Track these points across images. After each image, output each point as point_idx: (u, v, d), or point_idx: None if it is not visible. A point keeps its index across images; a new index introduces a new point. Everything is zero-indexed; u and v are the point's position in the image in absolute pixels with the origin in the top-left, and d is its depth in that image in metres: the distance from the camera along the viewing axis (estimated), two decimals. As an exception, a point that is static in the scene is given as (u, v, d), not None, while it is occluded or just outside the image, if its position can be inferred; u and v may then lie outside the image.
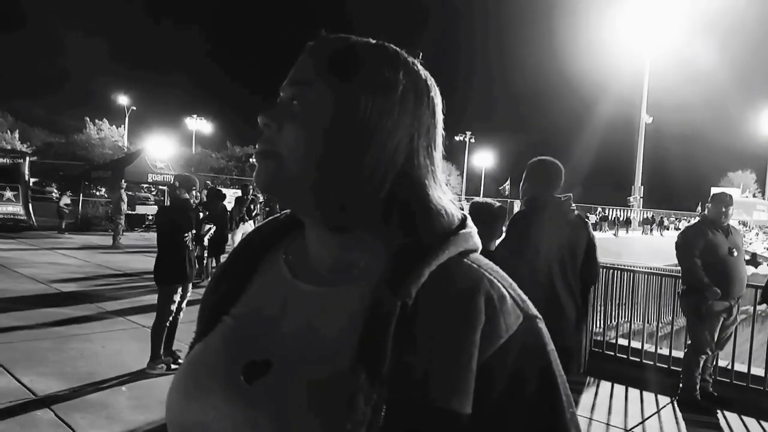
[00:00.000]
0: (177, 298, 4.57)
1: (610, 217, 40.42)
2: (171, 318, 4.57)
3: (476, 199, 3.87)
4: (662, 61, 49.48)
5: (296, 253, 0.68)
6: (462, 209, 0.66)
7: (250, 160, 49.02)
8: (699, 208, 45.75)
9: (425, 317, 0.55)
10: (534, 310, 0.59)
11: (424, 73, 0.65)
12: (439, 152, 0.66)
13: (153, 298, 7.36)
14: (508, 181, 40.88)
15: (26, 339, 5.20)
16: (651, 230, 41.25)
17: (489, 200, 3.46)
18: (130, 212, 16.07)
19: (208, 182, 19.77)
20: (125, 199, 14.07)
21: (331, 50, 0.63)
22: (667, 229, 41.86)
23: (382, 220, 0.62)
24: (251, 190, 9.99)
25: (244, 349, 0.61)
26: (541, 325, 0.59)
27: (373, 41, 0.65)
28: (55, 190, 26.03)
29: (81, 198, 18.13)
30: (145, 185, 19.89)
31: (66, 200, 16.36)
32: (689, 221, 42.66)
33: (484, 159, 57.51)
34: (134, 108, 53.18)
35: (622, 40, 48.77)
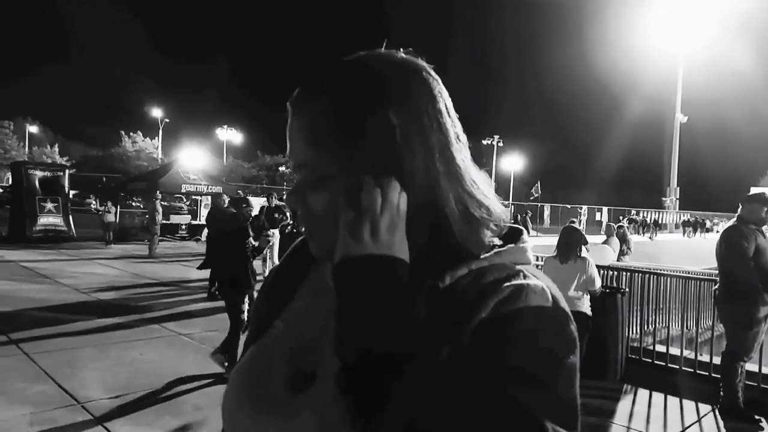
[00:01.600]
0: (246, 306, 4.77)
1: (648, 220, 39.43)
2: (244, 326, 4.74)
3: None
4: (696, 58, 48.18)
5: None
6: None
7: (280, 169, 49.71)
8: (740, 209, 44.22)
9: (451, 302, 0.55)
10: (568, 309, 0.57)
11: (435, 76, 0.62)
12: (467, 153, 0.62)
13: (188, 307, 7.56)
14: (538, 184, 40.25)
15: (68, 347, 5.37)
16: (694, 232, 39.85)
17: None
18: (164, 222, 16.44)
19: (239, 192, 20.12)
20: (160, 209, 14.41)
21: (339, 98, 0.58)
22: (710, 232, 40.53)
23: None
24: (274, 199, 10.19)
25: (291, 358, 0.62)
26: (570, 323, 0.56)
27: (372, 63, 0.60)
28: (94, 202, 26.85)
29: (118, 209, 18.66)
30: (178, 195, 20.38)
31: (110, 217, 16.01)
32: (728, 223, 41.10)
33: (513, 163, 56.89)
34: (167, 120, 54.52)
35: (654, 39, 47.74)
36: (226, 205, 9.21)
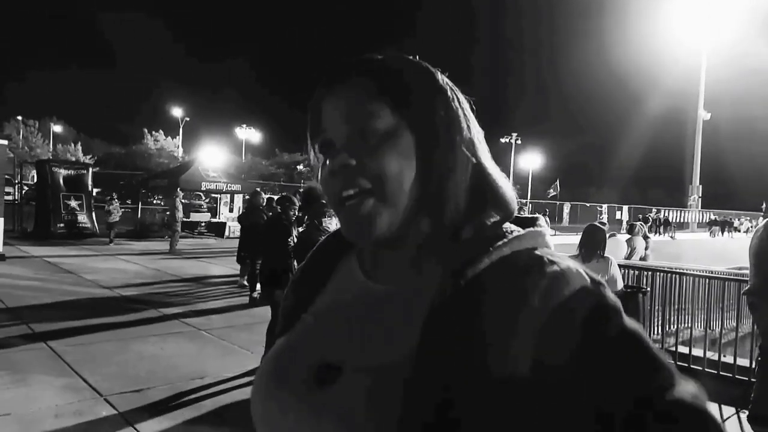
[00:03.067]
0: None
1: (669, 219, 38.75)
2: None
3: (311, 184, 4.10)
4: (720, 54, 47.20)
5: (369, 253, 0.69)
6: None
7: (298, 167, 50.00)
8: (765, 206, 43.23)
9: (484, 298, 0.55)
10: (600, 279, 0.58)
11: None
12: (484, 142, 0.68)
13: (208, 303, 7.66)
14: (557, 182, 39.82)
15: (92, 342, 5.47)
16: (722, 232, 38.93)
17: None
18: (184, 219, 16.67)
19: (257, 189, 20.27)
20: (180, 206, 14.59)
21: (386, 74, 0.62)
22: (738, 231, 39.62)
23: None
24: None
25: (318, 350, 0.63)
26: (608, 291, 0.57)
27: (403, 56, 0.65)
28: (116, 200, 27.28)
29: (140, 206, 18.94)
30: (198, 193, 20.63)
31: (115, 216, 15.18)
32: (753, 222, 40.39)
33: (531, 161, 56.39)
34: (188, 119, 55.15)
35: (676, 35, 46.89)
36: (264, 204, 9.32)
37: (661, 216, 38.89)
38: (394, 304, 0.62)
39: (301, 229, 4.67)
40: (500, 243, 0.59)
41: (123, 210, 16.96)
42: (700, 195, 44.10)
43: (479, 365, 0.52)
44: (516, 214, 0.67)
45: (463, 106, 0.65)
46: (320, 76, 0.65)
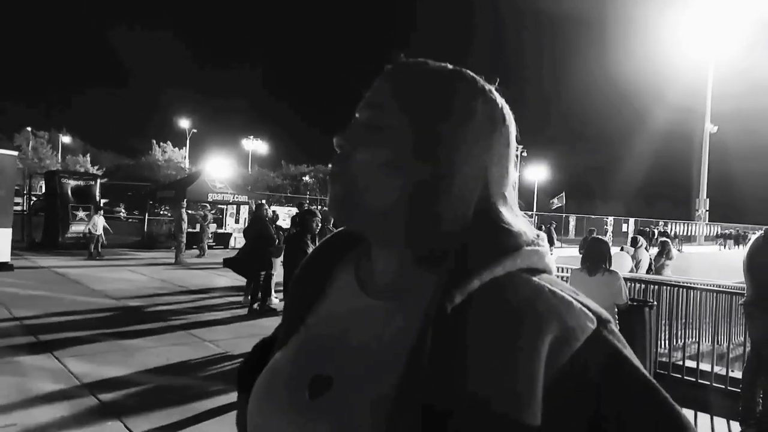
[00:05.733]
0: None
1: (675, 232, 38.46)
2: None
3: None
4: (726, 67, 47.14)
5: (365, 265, 0.69)
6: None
7: (304, 178, 50.16)
8: (774, 220, 42.80)
9: (475, 325, 0.53)
10: (606, 314, 0.57)
11: (500, 101, 0.65)
12: (511, 180, 0.65)
13: (214, 314, 7.66)
14: (563, 194, 39.65)
15: (98, 352, 5.49)
16: (736, 245, 38.55)
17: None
18: (191, 230, 16.74)
19: (261, 201, 20.34)
20: (185, 218, 14.67)
21: (408, 76, 0.64)
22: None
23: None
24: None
25: (312, 362, 0.63)
26: (614, 327, 0.56)
27: (451, 67, 0.65)
28: (123, 210, 27.44)
29: (147, 217, 19.04)
30: (204, 204, 20.72)
31: (98, 229, 14.17)
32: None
33: (537, 173, 56.29)
34: (195, 130, 55.57)
35: (682, 48, 46.89)
36: (269, 216, 9.34)
37: (661, 229, 38.55)
38: (383, 319, 0.61)
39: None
40: (492, 261, 0.56)
41: (130, 220, 17.07)
42: (707, 208, 43.81)
43: (470, 396, 0.51)
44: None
45: (496, 133, 0.63)
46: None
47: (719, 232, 42.46)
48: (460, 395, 0.51)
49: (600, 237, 4.71)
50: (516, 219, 0.63)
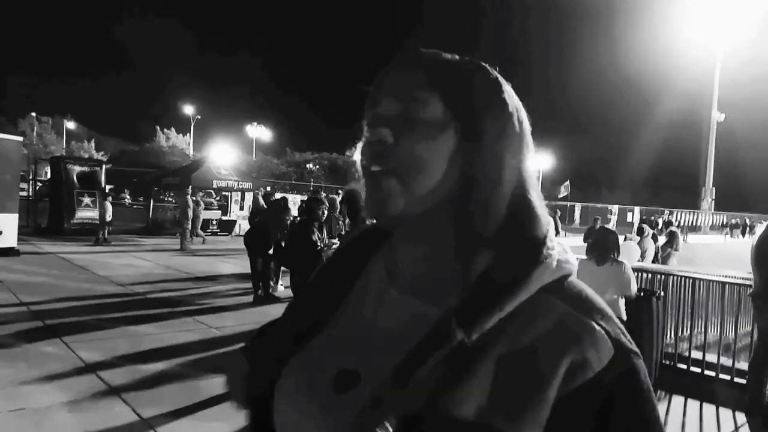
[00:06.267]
0: None
1: (679, 222, 38.28)
2: None
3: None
4: (735, 56, 46.55)
5: (393, 258, 0.69)
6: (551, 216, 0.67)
7: (308, 166, 50.10)
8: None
9: (492, 351, 0.55)
10: (631, 345, 0.57)
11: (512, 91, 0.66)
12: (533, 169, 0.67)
13: (220, 301, 7.69)
14: (568, 182, 39.48)
15: (105, 337, 5.52)
16: (743, 235, 38.44)
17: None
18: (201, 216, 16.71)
19: (268, 188, 20.38)
20: (191, 204, 14.68)
21: (444, 68, 0.63)
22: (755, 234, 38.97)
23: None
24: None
25: (339, 356, 0.63)
26: (638, 361, 0.57)
27: (476, 61, 0.65)
28: (128, 196, 27.50)
29: (152, 203, 19.09)
30: (209, 191, 20.73)
31: (107, 212, 14.28)
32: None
33: (541, 161, 56.05)
34: (199, 117, 55.45)
35: (690, 35, 46.31)
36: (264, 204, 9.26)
37: (665, 218, 38.42)
38: (409, 315, 0.62)
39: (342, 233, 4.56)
40: (515, 290, 0.57)
41: (134, 206, 17.04)
42: (713, 197, 43.58)
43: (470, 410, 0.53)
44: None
45: (524, 127, 0.65)
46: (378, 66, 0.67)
47: (725, 222, 42.24)
48: (467, 409, 0.52)
49: (608, 227, 4.67)
50: (544, 209, 0.65)
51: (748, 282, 5.57)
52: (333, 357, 0.63)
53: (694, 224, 39.79)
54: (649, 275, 5.84)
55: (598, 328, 0.56)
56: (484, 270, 0.59)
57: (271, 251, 7.74)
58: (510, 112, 0.63)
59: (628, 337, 0.58)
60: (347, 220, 5.41)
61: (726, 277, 5.79)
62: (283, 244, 7.95)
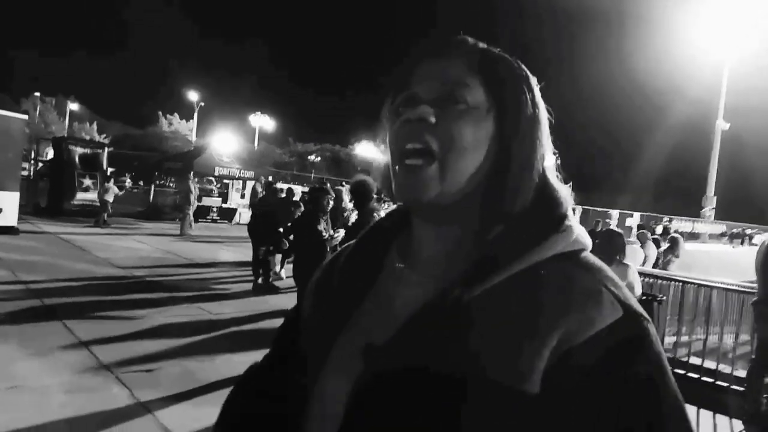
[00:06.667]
0: None
1: (676, 229, 38.30)
2: None
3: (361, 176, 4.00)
4: (743, 65, 46.41)
5: (409, 243, 0.70)
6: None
7: (310, 157, 50.01)
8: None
9: (495, 310, 0.56)
10: (640, 309, 0.56)
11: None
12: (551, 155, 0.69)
13: (220, 287, 7.69)
14: (570, 185, 39.44)
15: (104, 319, 5.51)
16: (742, 244, 38.64)
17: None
18: (197, 203, 16.71)
19: (270, 177, 20.33)
20: (194, 190, 14.63)
21: (486, 57, 0.65)
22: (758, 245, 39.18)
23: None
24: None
25: (365, 337, 0.64)
26: (648, 325, 0.56)
27: (503, 53, 0.67)
28: (129, 180, 27.47)
29: (152, 187, 19.04)
30: (209, 178, 20.68)
31: (109, 194, 14.14)
32: None
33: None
34: (203, 104, 55.28)
35: (698, 45, 46.20)
36: (284, 194, 9.31)
37: (665, 225, 38.42)
38: (422, 298, 0.62)
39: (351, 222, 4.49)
40: (521, 254, 0.58)
41: (135, 190, 16.94)
42: (714, 206, 43.56)
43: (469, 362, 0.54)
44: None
45: (546, 117, 0.67)
46: (418, 45, 0.68)
47: (726, 231, 42.30)
48: (460, 360, 0.54)
49: (615, 229, 4.66)
50: (565, 190, 0.67)
51: (750, 290, 5.57)
52: (361, 338, 0.64)
53: (693, 232, 39.73)
54: (651, 279, 5.83)
55: (605, 290, 0.56)
56: (498, 235, 0.61)
57: (275, 241, 7.74)
58: (540, 103, 0.66)
59: (637, 304, 0.57)
60: (354, 211, 5.37)
61: (726, 284, 5.79)
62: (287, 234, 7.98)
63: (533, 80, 0.66)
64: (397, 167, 0.63)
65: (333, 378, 0.64)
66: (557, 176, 0.68)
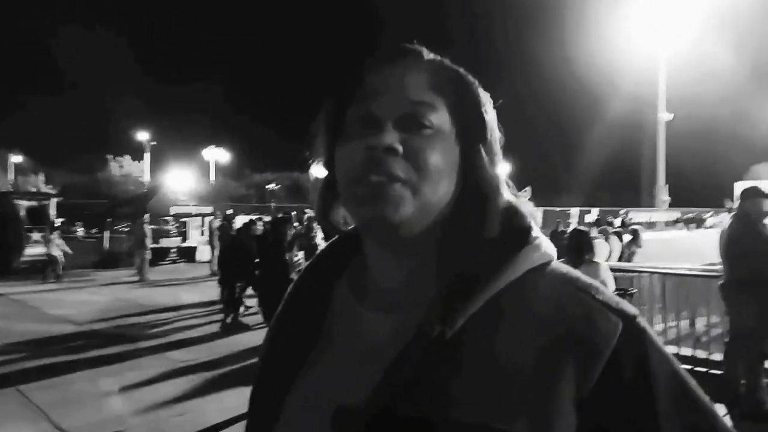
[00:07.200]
0: None
1: (638, 220, 39.73)
2: None
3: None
4: (678, 58, 48.77)
5: (362, 277, 0.64)
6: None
7: (267, 187, 49.51)
8: (727, 203, 44.67)
9: (480, 345, 0.51)
10: (631, 309, 0.54)
11: None
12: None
13: (187, 332, 7.37)
14: (529, 188, 40.39)
15: (64, 382, 5.17)
16: (697, 227, 40.63)
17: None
18: (154, 246, 16.17)
19: (228, 211, 19.93)
20: (149, 233, 14.22)
21: (450, 75, 0.61)
22: (711, 228, 41.15)
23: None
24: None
25: (332, 393, 0.57)
26: (644, 323, 0.54)
27: (461, 69, 0.63)
28: (80, 229, 26.50)
29: (106, 235, 18.36)
30: (165, 218, 20.15)
31: (53, 246, 13.63)
32: (718, 218, 41.67)
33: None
34: (154, 143, 54.13)
35: (634, 38, 48.34)
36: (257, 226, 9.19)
37: (622, 218, 39.95)
38: (390, 335, 0.56)
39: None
40: (491, 277, 0.54)
41: (88, 239, 16.27)
42: (666, 195, 45.31)
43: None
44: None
45: (498, 130, 0.64)
46: (368, 50, 0.62)
47: (680, 217, 44.14)
48: (463, 413, 0.49)
49: (581, 228, 4.71)
50: (526, 204, 0.64)
51: (715, 274, 5.71)
52: (327, 394, 0.57)
53: (650, 222, 41.13)
54: (619, 273, 5.91)
55: (597, 304, 0.53)
56: (465, 259, 0.56)
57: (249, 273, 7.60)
58: (494, 121, 0.63)
59: (625, 302, 0.56)
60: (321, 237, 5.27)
61: (690, 270, 5.93)
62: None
63: (489, 98, 0.63)
64: (356, 188, 0.56)
65: None
66: (509, 185, 0.64)
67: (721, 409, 4.23)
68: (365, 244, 0.64)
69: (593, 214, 41.76)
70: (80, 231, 26.12)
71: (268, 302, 4.60)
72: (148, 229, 14.44)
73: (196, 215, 19.33)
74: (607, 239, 9.32)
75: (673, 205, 48.70)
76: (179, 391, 4.89)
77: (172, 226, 22.12)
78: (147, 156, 49.51)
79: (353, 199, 0.57)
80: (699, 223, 42.35)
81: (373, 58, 0.60)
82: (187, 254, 18.78)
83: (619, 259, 9.08)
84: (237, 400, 4.54)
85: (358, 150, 0.56)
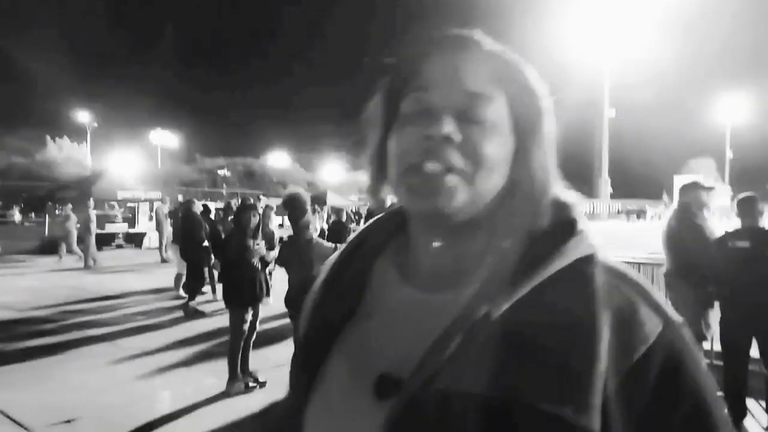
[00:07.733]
0: (249, 317, 4.55)
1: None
2: (244, 338, 4.54)
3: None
4: (620, 59, 50.74)
5: (406, 257, 0.66)
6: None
7: (219, 172, 48.27)
8: (665, 196, 46.98)
9: (524, 328, 0.52)
10: (675, 314, 0.55)
11: None
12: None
13: (137, 321, 7.16)
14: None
15: (6, 371, 4.93)
16: (638, 218, 42.58)
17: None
18: (99, 231, 15.52)
19: (179, 197, 19.35)
20: (94, 218, 13.65)
21: (511, 67, 0.61)
22: (652, 218, 43.18)
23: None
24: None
25: (370, 364, 0.59)
26: (686, 330, 0.55)
27: (518, 58, 0.64)
28: (17, 213, 25.13)
29: (47, 219, 17.50)
30: (111, 203, 19.37)
31: None
32: (656, 209, 43.77)
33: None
34: (96, 125, 51.71)
35: (577, 43, 49.94)
36: (213, 213, 8.91)
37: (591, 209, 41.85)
38: (434, 313, 0.57)
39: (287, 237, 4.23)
40: (541, 263, 0.55)
41: (27, 224, 15.51)
42: (610, 187, 47.18)
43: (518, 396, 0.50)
44: None
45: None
46: (428, 33, 0.62)
47: (621, 209, 46.17)
48: (504, 388, 0.50)
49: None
50: (574, 196, 0.64)
51: (659, 262, 6.01)
52: (369, 362, 0.59)
53: (592, 212, 42.70)
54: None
55: (643, 301, 0.54)
56: (515, 246, 0.57)
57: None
58: (551, 113, 0.63)
59: (670, 307, 0.56)
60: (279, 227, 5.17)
61: (635, 259, 6.20)
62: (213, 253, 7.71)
63: (547, 89, 0.63)
64: (410, 177, 0.58)
65: (329, 417, 0.59)
66: (561, 185, 0.65)
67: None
68: (412, 225, 0.65)
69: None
70: (17, 215, 24.80)
71: (230, 289, 4.52)
72: (93, 213, 13.86)
73: (145, 200, 18.67)
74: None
75: (615, 196, 50.76)
76: (129, 380, 4.75)
77: (118, 212, 21.32)
78: (88, 138, 47.34)
79: (407, 187, 0.58)
80: (639, 214, 44.41)
81: (434, 47, 0.61)
82: (135, 240, 18.16)
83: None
84: (190, 388, 4.47)
85: (414, 138, 0.57)
